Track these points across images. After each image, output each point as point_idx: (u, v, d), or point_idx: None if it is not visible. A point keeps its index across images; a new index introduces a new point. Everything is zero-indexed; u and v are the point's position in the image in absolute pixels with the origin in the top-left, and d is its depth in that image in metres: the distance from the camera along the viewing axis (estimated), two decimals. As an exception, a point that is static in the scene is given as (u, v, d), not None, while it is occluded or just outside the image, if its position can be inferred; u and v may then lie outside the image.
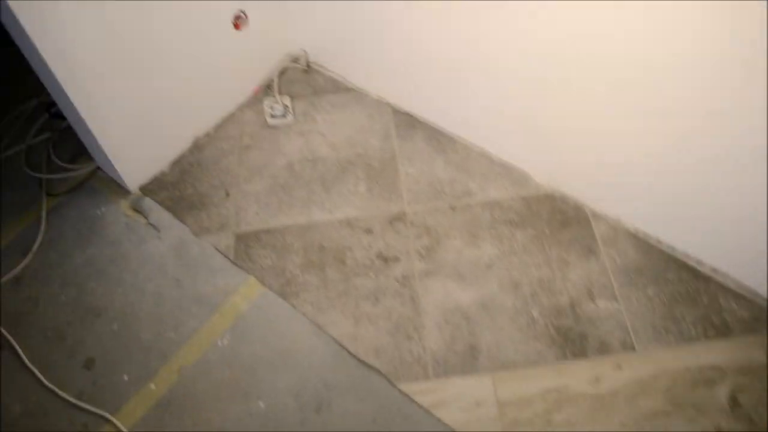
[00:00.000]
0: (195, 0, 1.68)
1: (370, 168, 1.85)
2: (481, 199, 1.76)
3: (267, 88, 2.00)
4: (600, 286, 1.62)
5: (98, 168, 1.94)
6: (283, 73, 2.05)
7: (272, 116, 1.95)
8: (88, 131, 1.65)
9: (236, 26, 1.85)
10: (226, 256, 1.71)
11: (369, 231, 1.73)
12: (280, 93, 2.01)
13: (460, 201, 1.76)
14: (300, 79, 2.09)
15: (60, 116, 2.02)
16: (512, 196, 1.76)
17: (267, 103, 1.97)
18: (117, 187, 1.90)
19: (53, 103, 2.04)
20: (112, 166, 1.77)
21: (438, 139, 1.89)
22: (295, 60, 2.05)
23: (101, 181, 1.92)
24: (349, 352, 1.54)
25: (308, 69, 2.08)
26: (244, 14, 1.85)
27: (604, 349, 1.52)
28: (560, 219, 1.72)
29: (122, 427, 1.45)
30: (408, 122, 1.94)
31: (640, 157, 1.52)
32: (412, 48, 1.78)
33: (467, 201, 1.76)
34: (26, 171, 1.98)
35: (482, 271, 1.65)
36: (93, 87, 1.55)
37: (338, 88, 2.05)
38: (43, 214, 1.86)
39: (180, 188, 1.86)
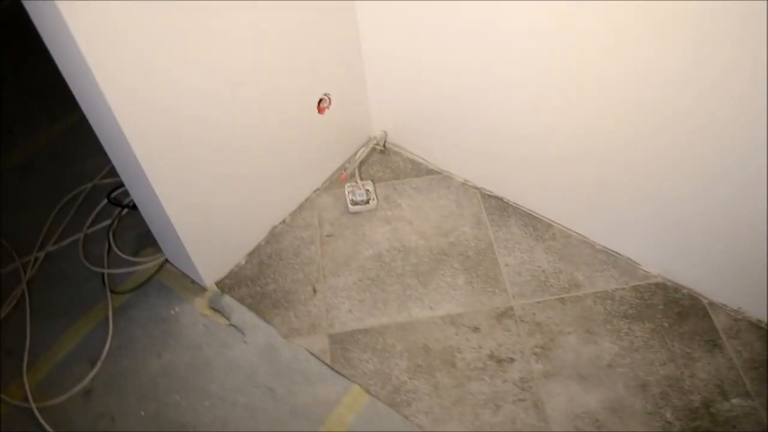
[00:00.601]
0: (283, 86, 1.59)
1: (466, 258, 1.73)
2: (591, 291, 1.65)
3: (350, 175, 1.89)
4: (730, 382, 1.51)
5: (166, 261, 1.80)
6: (363, 156, 1.94)
7: (354, 202, 1.83)
8: (167, 222, 1.52)
9: (320, 110, 1.76)
10: (322, 361, 1.57)
11: (476, 329, 1.60)
12: (360, 177, 1.91)
13: (568, 293, 1.65)
14: (377, 161, 2.00)
15: (120, 203, 1.88)
16: (622, 286, 1.66)
17: (348, 188, 1.86)
18: (190, 284, 1.75)
19: (114, 188, 1.91)
20: (189, 259, 1.63)
21: (534, 225, 1.79)
22: (376, 143, 1.96)
23: (171, 277, 1.77)
24: (475, 470, 1.39)
25: (385, 150, 1.99)
26: (328, 98, 1.76)
27: (748, 455, 1.40)
28: (677, 311, 1.62)
29: None
30: (499, 207, 1.84)
31: (758, 244, 1.44)
32: (500, 130, 1.71)
33: (576, 293, 1.65)
34: (85, 264, 1.82)
35: (605, 371, 1.53)
36: (174, 174, 1.43)
37: (420, 170, 1.96)
38: (110, 315, 1.69)
39: (260, 284, 1.72)
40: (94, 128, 1.42)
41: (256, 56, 1.47)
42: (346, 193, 1.86)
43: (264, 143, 1.63)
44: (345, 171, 1.88)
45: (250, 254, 1.78)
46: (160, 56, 1.24)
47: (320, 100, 1.75)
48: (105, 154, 2.03)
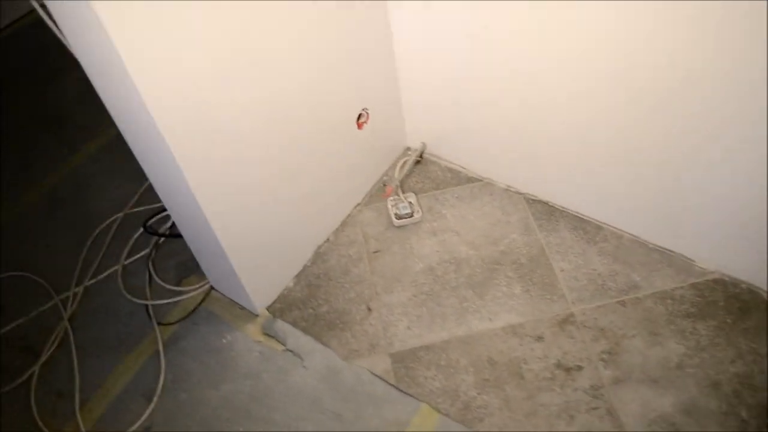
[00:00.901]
0: (325, 103, 1.57)
1: (519, 266, 1.71)
2: (650, 292, 1.63)
3: (396, 187, 1.86)
4: (801, 377, 1.49)
5: (212, 288, 1.75)
6: (402, 167, 1.91)
7: (398, 216, 1.80)
8: (217, 247, 1.48)
9: (359, 125, 1.73)
10: (386, 382, 1.53)
11: (539, 338, 1.58)
12: (401, 189, 1.87)
13: (627, 295, 1.63)
14: (415, 172, 1.97)
15: (156, 232, 1.84)
16: (680, 284, 1.64)
17: (390, 201, 1.83)
18: (239, 310, 1.71)
19: (149, 217, 1.87)
20: (239, 285, 1.59)
21: (583, 228, 1.77)
22: (418, 154, 1.93)
23: (218, 304, 1.73)
24: (557, 484, 1.36)
25: (421, 160, 1.96)
26: (366, 112, 1.73)
27: (828, 449, 1.39)
28: (738, 306, 1.60)
29: None
30: (546, 211, 1.82)
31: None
32: (541, 134, 1.69)
33: (635, 295, 1.63)
34: (127, 297, 1.77)
35: (674, 373, 1.50)
36: (225, 198, 1.40)
37: (460, 179, 1.93)
38: (160, 347, 1.65)
39: (312, 305, 1.69)
40: (138, 156, 1.38)
41: (298, 75, 1.45)
42: (389, 206, 1.82)
43: (307, 161, 1.60)
44: (390, 185, 1.84)
45: (298, 276, 1.75)
46: (207, 77, 1.21)
47: (359, 115, 1.72)
48: (131, 182, 2.00)
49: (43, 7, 1.12)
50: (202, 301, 1.73)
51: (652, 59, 1.34)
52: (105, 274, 1.84)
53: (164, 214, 1.89)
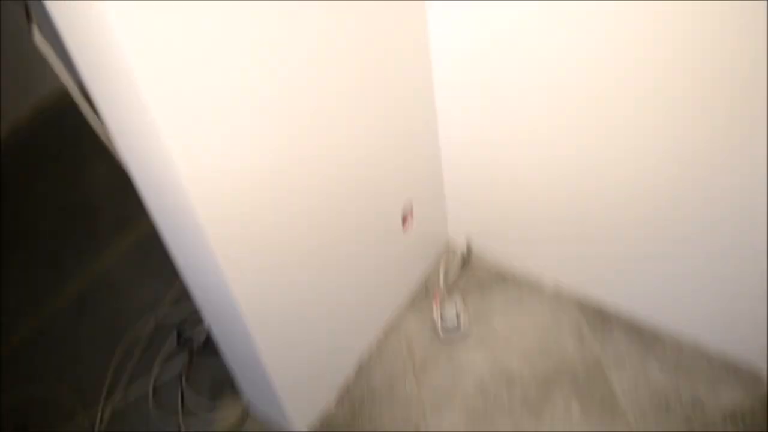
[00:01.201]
0: (368, 204, 1.51)
1: (575, 382, 1.61)
2: (718, 410, 1.54)
3: (446, 294, 1.77)
4: None
5: (249, 410, 1.66)
6: (447, 272, 1.83)
7: (445, 329, 1.71)
8: (258, 366, 1.39)
9: (404, 227, 1.65)
10: None
11: (605, 467, 1.47)
12: (447, 291, 1.79)
13: (694, 414, 1.53)
14: (459, 272, 1.88)
15: (191, 344, 1.75)
16: (750, 402, 1.55)
17: (435, 310, 1.74)
18: (279, 433, 1.61)
19: (180, 322, 1.78)
20: (279, 405, 1.51)
21: (639, 334, 1.68)
22: (463, 254, 1.85)
23: (255, 427, 1.63)
24: None
25: (466, 259, 1.88)
26: (411, 212, 1.66)
27: None
28: (813, 425, 1.50)
29: None
30: (599, 317, 1.73)
31: None
32: (588, 228, 1.61)
33: (702, 414, 1.53)
34: (159, 425, 1.68)
35: (754, 507, 1.40)
36: (267, 308, 1.33)
37: (506, 280, 1.84)
38: (201, 482, 1.55)
39: (357, 429, 1.59)
40: (178, 264, 1.31)
41: (347, 178, 1.41)
42: (435, 317, 1.73)
43: (352, 266, 1.55)
44: (437, 292, 1.76)
45: (341, 394, 1.66)
46: (257, 181, 1.17)
47: (404, 217, 1.64)
48: (164, 282, 1.92)
49: (81, 89, 1.04)
50: (239, 425, 1.63)
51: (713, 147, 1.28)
52: (135, 391, 1.75)
53: (199, 323, 1.81)
